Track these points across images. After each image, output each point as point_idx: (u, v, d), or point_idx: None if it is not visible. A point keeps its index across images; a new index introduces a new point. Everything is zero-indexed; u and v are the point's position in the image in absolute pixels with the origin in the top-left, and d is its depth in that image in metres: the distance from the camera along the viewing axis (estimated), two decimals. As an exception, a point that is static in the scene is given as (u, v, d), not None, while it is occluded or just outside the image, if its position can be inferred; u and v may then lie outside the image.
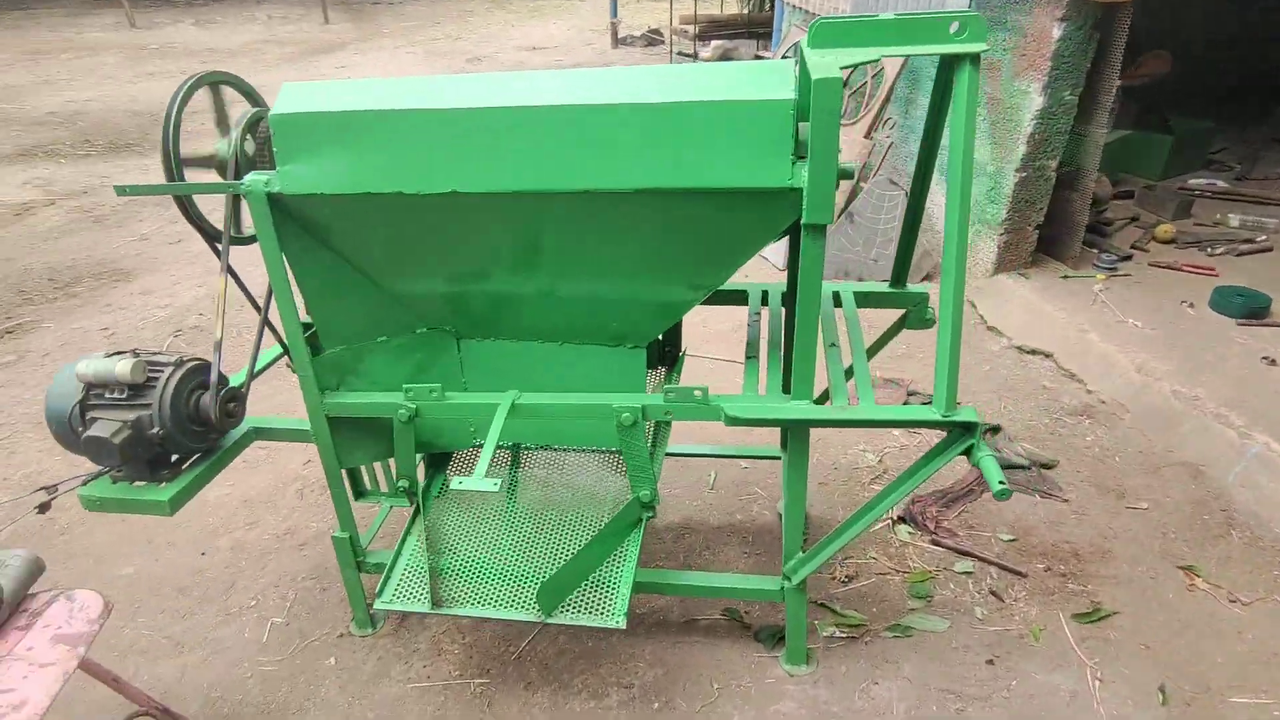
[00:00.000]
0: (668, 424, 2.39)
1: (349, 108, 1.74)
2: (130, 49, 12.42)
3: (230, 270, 1.95)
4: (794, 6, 6.41)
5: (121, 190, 1.85)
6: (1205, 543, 2.64)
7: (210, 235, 1.98)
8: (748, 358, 2.17)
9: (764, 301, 2.43)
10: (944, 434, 1.88)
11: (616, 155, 1.65)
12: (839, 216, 4.54)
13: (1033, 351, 3.73)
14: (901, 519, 2.84)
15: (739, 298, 2.46)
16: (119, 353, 1.92)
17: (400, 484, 2.23)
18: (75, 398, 1.88)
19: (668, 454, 2.68)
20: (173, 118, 1.85)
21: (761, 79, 1.62)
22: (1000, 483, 1.71)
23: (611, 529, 2.06)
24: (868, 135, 4.55)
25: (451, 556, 2.22)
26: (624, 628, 1.94)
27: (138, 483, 1.97)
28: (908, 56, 4.50)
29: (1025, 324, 3.83)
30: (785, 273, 4.76)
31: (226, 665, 2.39)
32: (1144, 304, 3.80)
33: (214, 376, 1.94)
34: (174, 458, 2.01)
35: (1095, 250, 4.33)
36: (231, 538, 2.91)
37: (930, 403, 3.00)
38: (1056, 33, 3.48)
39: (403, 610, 2.04)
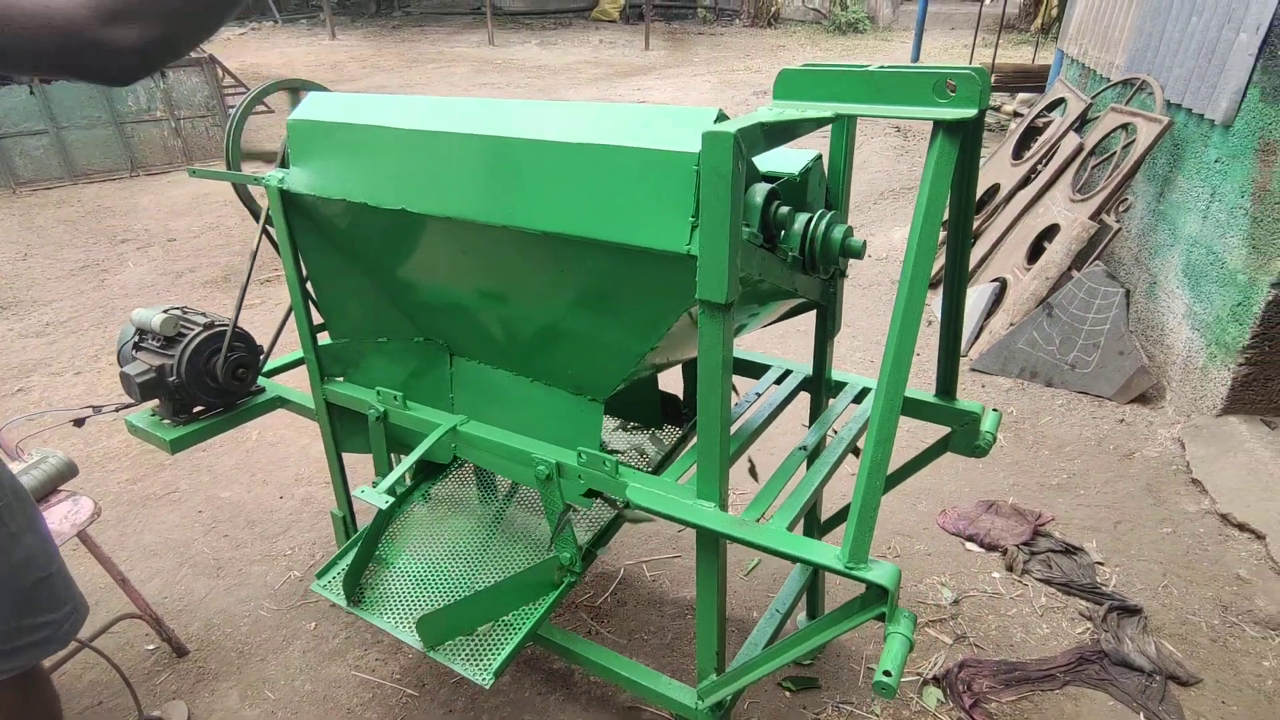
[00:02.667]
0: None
1: (335, 119, 1.85)
2: (480, 62, 14.53)
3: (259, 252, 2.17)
4: (1071, 59, 5.51)
5: (192, 172, 2.16)
6: None
7: (254, 212, 2.24)
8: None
9: (778, 381, 2.12)
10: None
11: (515, 191, 1.55)
12: (1036, 305, 3.81)
13: (1240, 526, 2.79)
14: (937, 680, 2.30)
15: (755, 371, 2.18)
16: (173, 308, 2.25)
17: (377, 481, 2.31)
18: (132, 337, 2.24)
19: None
20: (236, 119, 2.12)
21: (678, 127, 1.41)
22: (885, 674, 1.30)
23: (520, 581, 1.94)
24: (1095, 216, 3.75)
25: (396, 562, 2.24)
26: (488, 687, 1.81)
27: (166, 420, 2.28)
28: (1164, 121, 3.64)
29: (1243, 487, 2.88)
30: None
31: (239, 599, 2.68)
32: None
33: (225, 344, 2.18)
34: (197, 408, 2.29)
35: None
36: (308, 490, 3.25)
37: (1068, 552, 2.45)
38: (1353, 112, 2.56)
39: (327, 598, 2.11)
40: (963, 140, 1.37)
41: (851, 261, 6.16)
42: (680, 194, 1.38)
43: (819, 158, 1.76)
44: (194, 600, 2.68)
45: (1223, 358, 3.18)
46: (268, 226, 2.17)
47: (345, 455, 2.43)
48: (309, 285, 2.19)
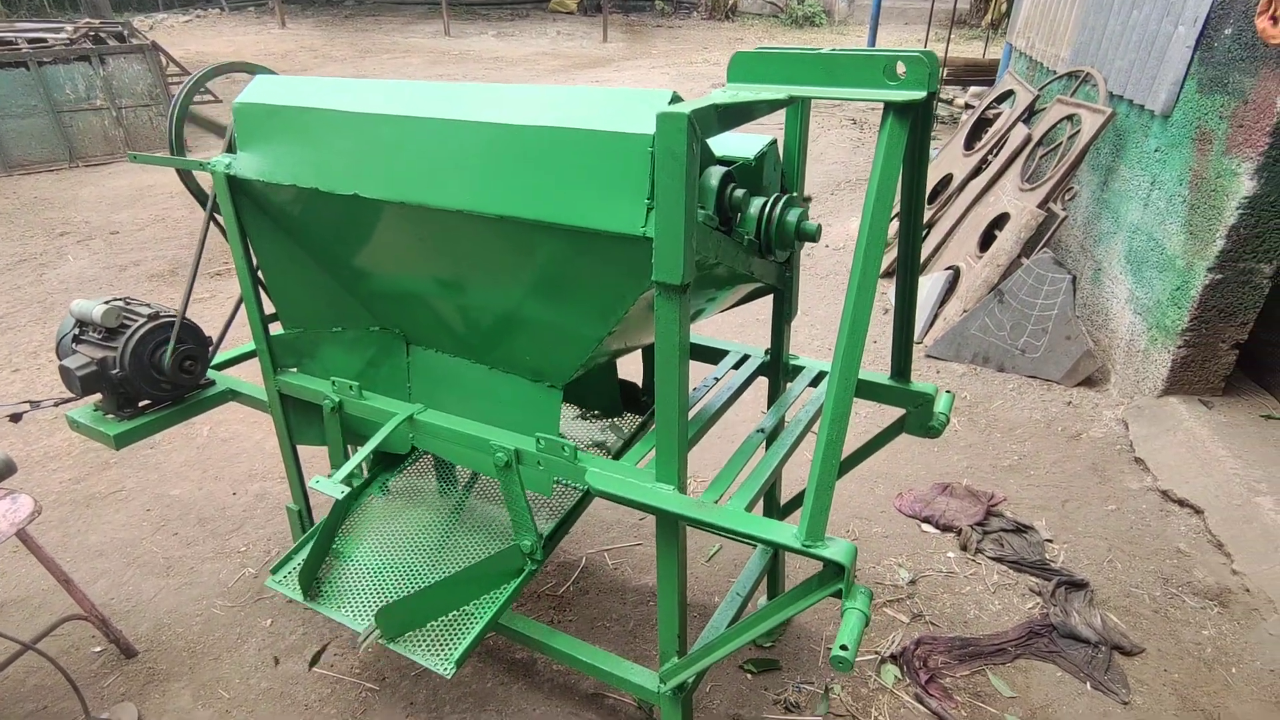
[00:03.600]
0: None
1: (284, 102, 1.80)
2: (435, 53, 14.30)
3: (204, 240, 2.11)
4: (1020, 52, 5.64)
5: (132, 157, 2.09)
6: (1308, 826, 1.86)
7: (200, 198, 2.17)
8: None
9: (736, 366, 2.13)
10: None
11: (470, 175, 1.54)
12: (988, 292, 3.90)
13: (1180, 502, 2.90)
14: (894, 658, 2.34)
15: (713, 356, 2.19)
16: (116, 299, 2.17)
17: (338, 478, 2.27)
18: (71, 329, 2.16)
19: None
20: (179, 102, 2.06)
21: (629, 109, 1.41)
22: (842, 648, 1.32)
23: (480, 571, 1.92)
24: (1043, 204, 3.85)
25: (354, 555, 2.21)
26: (450, 676, 1.79)
27: (109, 415, 2.21)
28: (1106, 112, 3.75)
29: (1181, 465, 2.99)
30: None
31: (190, 598, 2.61)
32: (1376, 475, 2.79)
33: (173, 335, 2.12)
34: (143, 402, 2.22)
35: (1338, 391, 3.28)
36: (262, 485, 3.18)
37: (1019, 531, 2.46)
38: (1283, 102, 2.67)
39: (284, 593, 2.07)
40: (913, 122, 1.39)
41: (809, 251, 6.21)
42: (635, 176, 1.38)
43: (774, 143, 1.77)
44: (143, 600, 2.60)
45: (1163, 340, 3.29)
46: (215, 214, 2.11)
47: (301, 448, 2.38)
48: (260, 274, 2.14)
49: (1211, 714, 2.14)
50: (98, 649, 2.40)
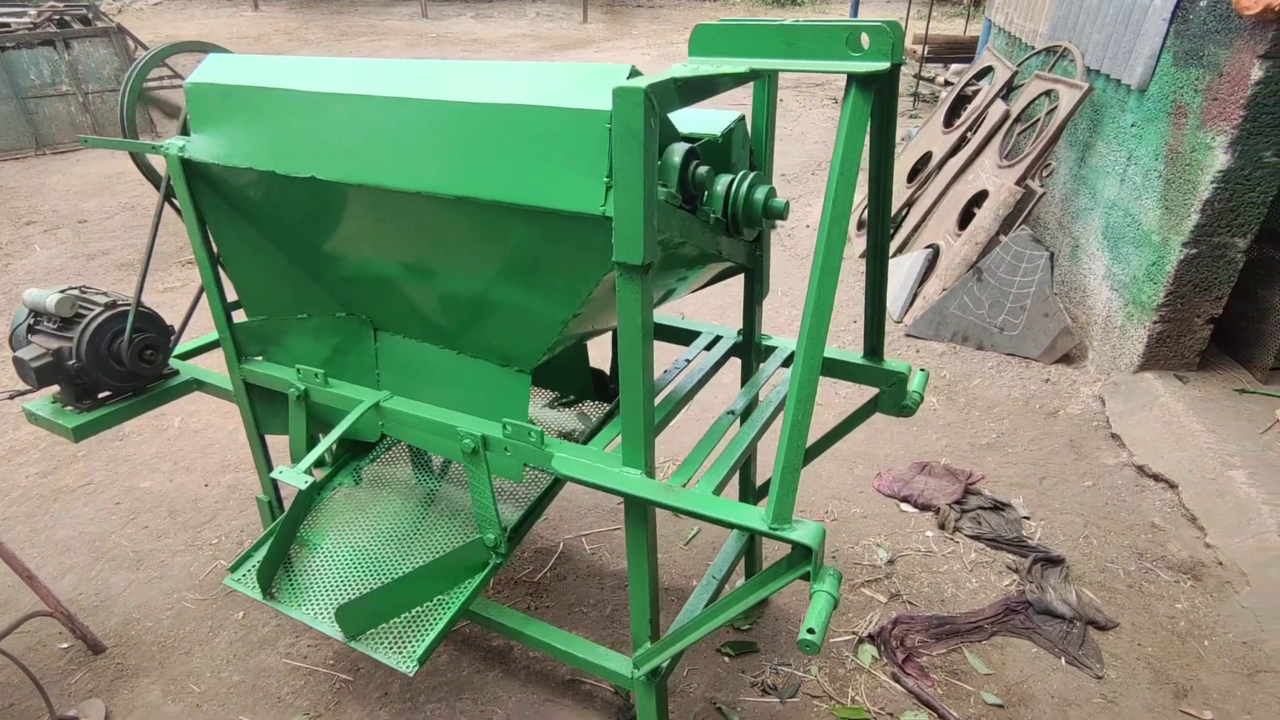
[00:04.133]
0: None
1: (237, 82, 1.75)
2: (414, 35, 14.09)
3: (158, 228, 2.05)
4: (999, 28, 5.61)
5: (84, 141, 2.03)
6: (1277, 795, 1.88)
7: (154, 182, 2.11)
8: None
9: (708, 347, 2.11)
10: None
11: (427, 156, 1.49)
12: (967, 270, 3.89)
13: (1155, 477, 2.91)
14: (871, 638, 2.34)
15: (685, 338, 2.16)
16: (71, 288, 2.11)
17: (302, 467, 2.23)
18: (25, 320, 2.10)
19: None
20: (129, 82, 1.99)
21: (586, 85, 1.36)
22: (809, 631, 1.30)
23: (443, 565, 1.89)
24: (1020, 181, 3.83)
25: (319, 546, 2.17)
26: (412, 675, 1.76)
27: (68, 407, 2.15)
28: (1084, 87, 3.73)
29: (1157, 440, 3.00)
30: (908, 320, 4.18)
31: (161, 591, 2.57)
32: (1348, 447, 2.81)
33: (129, 324, 2.07)
34: (103, 393, 2.17)
35: (1312, 364, 3.29)
36: (235, 476, 3.13)
37: (997, 509, 2.42)
38: (1256, 73, 2.65)
39: (242, 592, 2.03)
40: (876, 94, 1.36)
41: (789, 232, 6.17)
42: (593, 154, 1.34)
43: (742, 119, 1.73)
44: (111, 595, 2.56)
45: (1139, 316, 3.29)
46: (171, 198, 2.05)
47: (272, 438, 2.34)
48: (220, 260, 2.09)
49: (1184, 686, 2.15)
50: (65, 645, 2.36)
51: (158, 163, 2.19)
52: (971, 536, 2.75)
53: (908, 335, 4.12)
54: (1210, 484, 2.72)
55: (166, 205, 2.06)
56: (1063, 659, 2.25)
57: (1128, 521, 2.78)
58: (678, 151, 1.44)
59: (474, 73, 1.54)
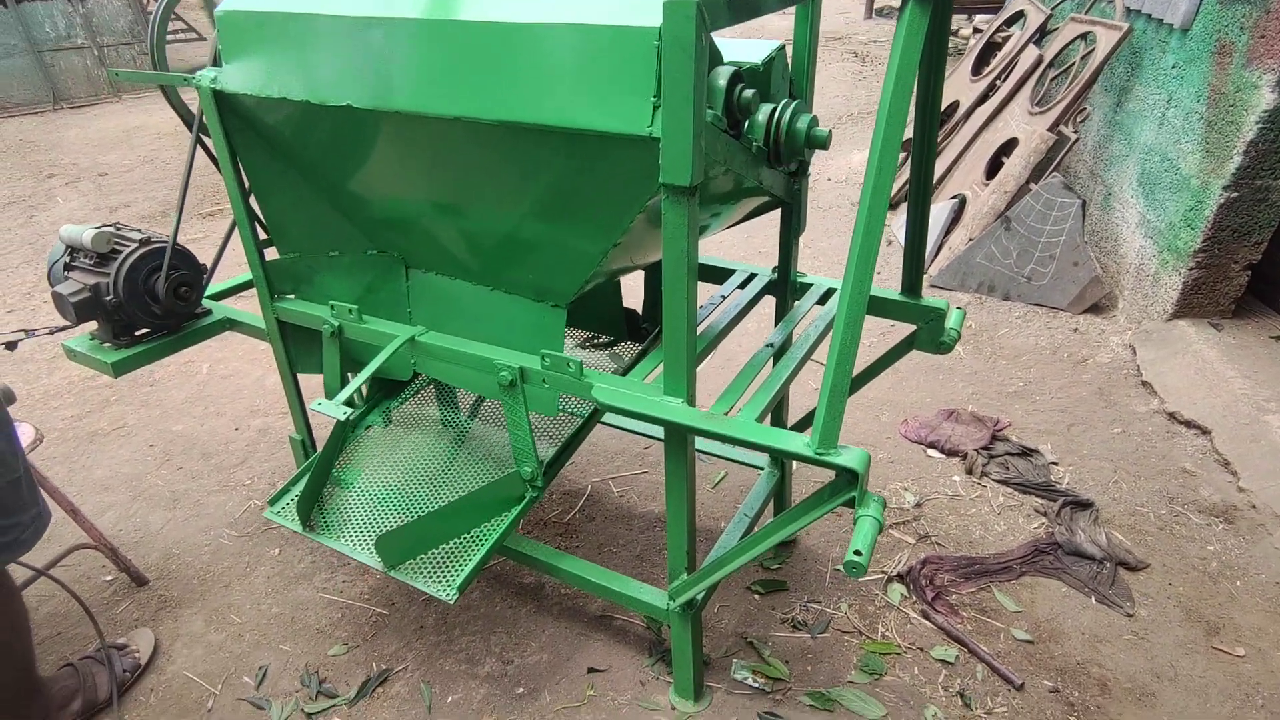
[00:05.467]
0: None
1: (269, 8, 1.72)
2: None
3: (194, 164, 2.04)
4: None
5: (114, 74, 2.01)
6: (1307, 728, 1.89)
7: (187, 120, 2.10)
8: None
9: (742, 286, 2.09)
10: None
11: (467, 79, 1.47)
12: (995, 220, 3.83)
13: (1187, 423, 2.89)
14: (900, 577, 2.36)
15: (719, 276, 2.14)
16: (105, 225, 2.12)
17: (339, 400, 2.24)
18: (62, 256, 2.11)
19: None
20: (159, 14, 1.97)
21: (632, 1, 1.33)
22: (855, 553, 1.31)
23: (480, 498, 1.91)
24: (1053, 128, 3.75)
25: (353, 484, 2.20)
26: (453, 602, 1.79)
27: (106, 344, 2.17)
28: (1123, 28, 3.62)
29: (1189, 386, 2.97)
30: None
31: (198, 529, 2.62)
32: (1385, 394, 2.77)
33: (166, 260, 2.07)
34: (141, 331, 2.19)
35: (1349, 313, 3.24)
36: (264, 421, 3.17)
37: (1024, 455, 2.38)
38: (1309, 7, 2.56)
39: (281, 524, 2.06)
40: (933, 13, 1.32)
41: (812, 185, 6.11)
42: (641, 72, 1.32)
43: (782, 48, 1.69)
44: (150, 532, 2.61)
45: (1174, 263, 3.24)
46: (203, 134, 2.03)
47: (303, 379, 2.35)
48: (252, 198, 2.08)
49: (1216, 624, 2.16)
50: (109, 578, 2.42)
51: (189, 98, 2.18)
52: (999, 481, 2.75)
53: (933, 286, 4.08)
54: (1244, 429, 2.70)
55: (198, 142, 2.05)
56: (1093, 598, 2.26)
57: (1158, 467, 2.77)
58: (723, 74, 1.41)
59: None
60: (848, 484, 1.42)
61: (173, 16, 8.36)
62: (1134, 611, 2.21)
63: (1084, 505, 2.59)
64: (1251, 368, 2.93)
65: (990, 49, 5.23)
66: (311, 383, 2.33)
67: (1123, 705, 1.95)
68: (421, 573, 1.88)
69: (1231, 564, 2.35)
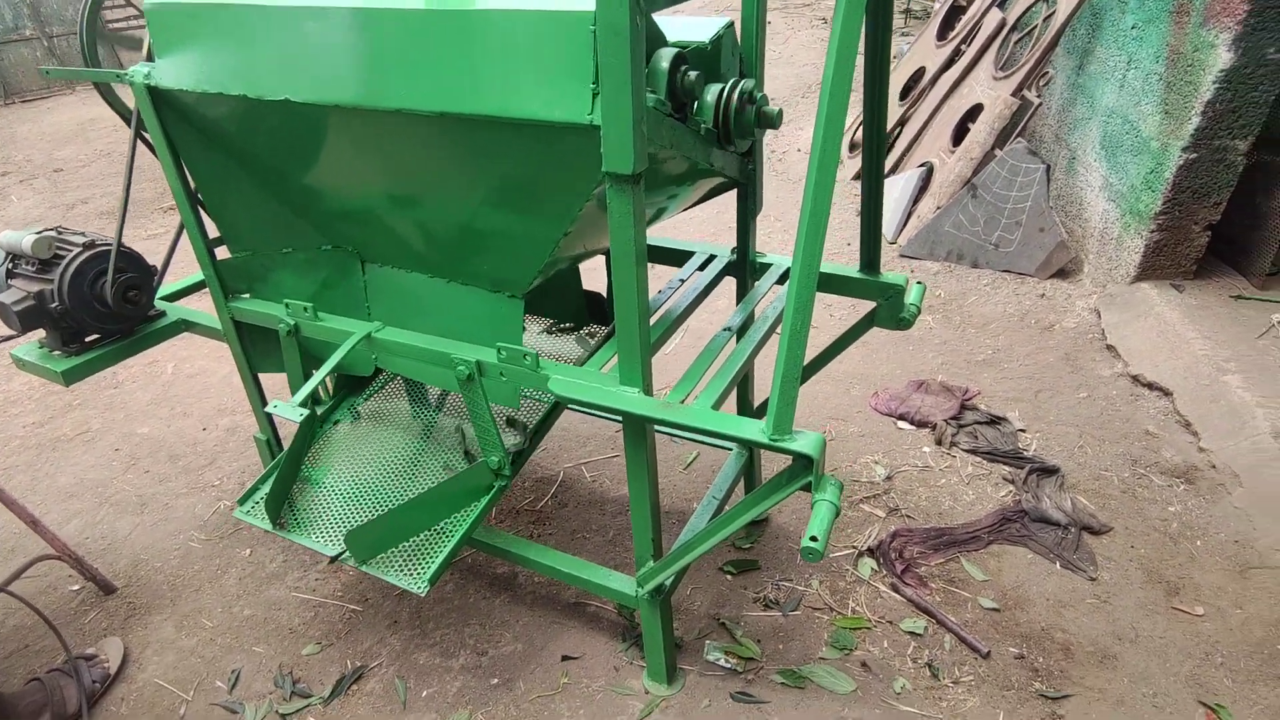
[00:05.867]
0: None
1: (200, 0, 1.66)
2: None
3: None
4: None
5: (45, 72, 1.94)
6: (1262, 680, 1.94)
7: (125, 117, 2.03)
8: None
9: (702, 267, 2.08)
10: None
11: (405, 70, 1.43)
12: (962, 187, 3.83)
13: (1150, 386, 2.93)
14: (870, 551, 2.38)
15: (678, 259, 2.13)
16: (47, 229, 2.06)
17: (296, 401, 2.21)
18: (3, 264, 2.05)
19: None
20: (87, 5, 1.90)
21: (570, -15, 1.30)
22: (812, 539, 1.32)
23: (449, 490, 1.90)
24: (1016, 92, 3.74)
25: (322, 481, 2.18)
26: (424, 594, 1.79)
27: (55, 351, 2.13)
28: (1083, -5, 3.60)
29: (1152, 349, 3.00)
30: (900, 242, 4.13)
31: (167, 533, 2.59)
32: (1342, 350, 2.82)
33: (112, 263, 2.02)
34: (91, 336, 2.14)
35: (1308, 270, 3.28)
36: (233, 420, 3.13)
37: (993, 423, 2.37)
38: (1263, -34, 2.56)
39: (251, 524, 2.04)
40: (872, -13, 1.30)
41: (780, 155, 6.04)
42: (578, 59, 1.29)
43: (730, 25, 1.66)
44: (118, 539, 2.58)
45: (1136, 226, 3.26)
46: (142, 131, 1.98)
47: (268, 377, 2.32)
48: (199, 196, 2.03)
49: (1176, 585, 2.20)
50: (75, 588, 2.39)
51: (125, 94, 2.11)
52: (968, 450, 2.78)
53: (902, 255, 4.08)
54: (1205, 390, 2.74)
55: (140, 142, 1.99)
56: (1057, 563, 2.30)
57: (1122, 430, 2.81)
58: (665, 57, 1.38)
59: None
60: (804, 469, 1.42)
61: (124, 3, 8.13)
62: (1097, 575, 2.25)
63: (1050, 471, 2.63)
64: (1212, 328, 2.96)
65: (955, 13, 5.19)
66: (276, 381, 2.30)
67: (1085, 669, 1.99)
68: (393, 566, 1.88)
69: (1192, 524, 2.39)
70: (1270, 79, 2.78)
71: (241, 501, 2.07)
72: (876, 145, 1.70)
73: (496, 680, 2.07)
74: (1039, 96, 3.75)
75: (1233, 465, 2.49)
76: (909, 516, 2.52)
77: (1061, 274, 3.72)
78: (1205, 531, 2.36)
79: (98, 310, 2.07)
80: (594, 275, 2.29)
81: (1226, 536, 2.34)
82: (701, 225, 4.57)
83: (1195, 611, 2.12)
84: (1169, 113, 3.04)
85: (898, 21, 8.81)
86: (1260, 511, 2.35)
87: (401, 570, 1.85)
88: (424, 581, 1.81)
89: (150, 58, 1.83)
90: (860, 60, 1.39)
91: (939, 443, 2.83)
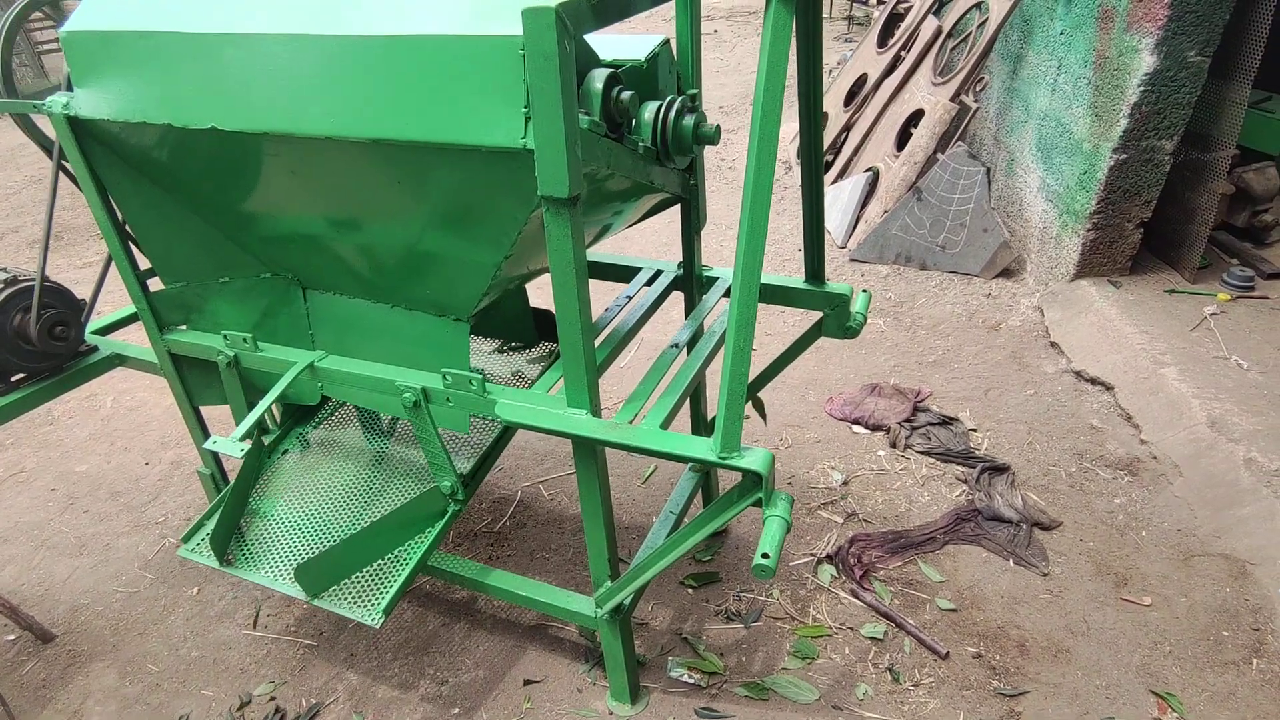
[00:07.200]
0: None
1: (118, 27, 1.61)
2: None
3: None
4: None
5: (-47, 104, 1.86)
6: (1209, 667, 1.99)
7: (46, 149, 1.96)
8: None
9: (649, 282, 2.07)
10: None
11: (332, 96, 1.40)
12: (907, 191, 3.90)
13: (1092, 381, 3.01)
14: (829, 558, 2.40)
15: (625, 275, 2.12)
16: (-31, 266, 1.97)
17: (236, 436, 2.15)
18: (-79, 305, 1.95)
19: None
20: (3, 30, 1.83)
21: (495, 8, 1.28)
22: (763, 556, 1.32)
23: (402, 517, 1.86)
24: (955, 97, 3.82)
25: (271, 513, 2.12)
26: (378, 626, 1.75)
27: (-20, 393, 2.03)
28: None
29: (1093, 344, 3.09)
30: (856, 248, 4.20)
31: (108, 575, 2.50)
32: (1267, 340, 2.93)
33: (36, 299, 1.94)
34: (17, 376, 2.05)
35: (1237, 262, 3.41)
36: (177, 452, 3.03)
37: (945, 424, 2.36)
38: (1180, -28, 2.65)
39: (197, 561, 1.98)
40: (800, 7, 1.31)
41: (731, 164, 6.09)
42: (509, 83, 1.27)
43: (666, 43, 1.67)
44: (55, 583, 2.47)
45: (1073, 225, 3.35)
46: (64, 161, 1.90)
47: (214, 407, 2.25)
48: (127, 227, 1.96)
49: (1124, 575, 2.26)
50: (11, 637, 2.28)
51: (45, 125, 2.04)
52: (922, 452, 2.82)
53: (852, 260, 4.14)
54: (1144, 383, 2.82)
55: (63, 173, 1.92)
56: (1010, 560, 2.34)
57: (1068, 425, 2.87)
58: (598, 77, 1.38)
59: (376, 1, 1.44)
60: (754, 485, 1.42)
61: (53, 25, 7.84)
62: (1049, 570, 2.29)
63: (1001, 470, 2.68)
64: (1148, 323, 3.05)
65: (894, 20, 5.30)
66: (221, 411, 2.23)
67: (1040, 664, 2.03)
68: (345, 599, 1.83)
69: (1136, 515, 2.46)
70: (1192, 80, 2.89)
71: (186, 539, 2.00)
72: (815, 158, 1.72)
73: (458, 709, 2.03)
74: (976, 101, 3.84)
75: (1172, 455, 2.57)
76: (866, 521, 2.55)
77: (1006, 273, 3.81)
78: (1149, 522, 2.43)
79: (22, 349, 1.99)
80: (544, 291, 2.27)
81: (1169, 526, 2.40)
82: (654, 235, 4.58)
83: (1143, 601, 2.17)
84: (1099, 115, 3.14)
85: (840, 28, 8.98)
86: (1199, 500, 2.43)
87: (354, 602, 1.81)
88: (378, 612, 1.77)
89: (70, 87, 1.77)
90: (793, 73, 1.40)
91: (893, 445, 2.87)
